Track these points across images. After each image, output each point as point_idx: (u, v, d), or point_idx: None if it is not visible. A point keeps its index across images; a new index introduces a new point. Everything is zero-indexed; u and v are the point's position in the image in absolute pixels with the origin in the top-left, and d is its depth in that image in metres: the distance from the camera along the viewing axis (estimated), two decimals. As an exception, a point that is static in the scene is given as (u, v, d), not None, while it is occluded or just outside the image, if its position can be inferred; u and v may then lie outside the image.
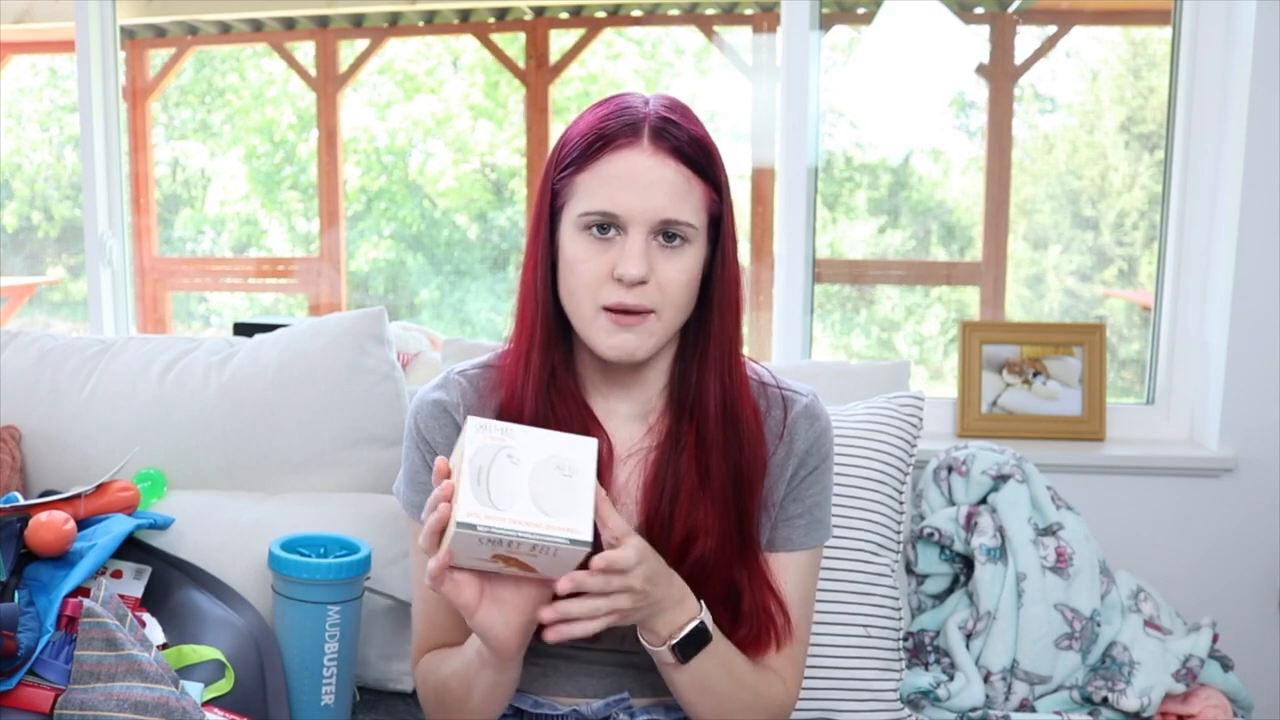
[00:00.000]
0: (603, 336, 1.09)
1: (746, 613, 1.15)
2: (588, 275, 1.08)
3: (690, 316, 1.14)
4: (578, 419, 1.15)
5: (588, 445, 0.99)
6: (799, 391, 1.22)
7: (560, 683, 1.22)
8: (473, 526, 0.93)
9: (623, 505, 1.17)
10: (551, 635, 0.99)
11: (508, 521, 0.93)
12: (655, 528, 1.14)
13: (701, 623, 1.08)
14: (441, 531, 0.97)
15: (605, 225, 1.08)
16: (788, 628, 1.17)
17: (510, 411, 1.15)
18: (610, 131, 1.08)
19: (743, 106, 3.23)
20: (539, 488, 0.96)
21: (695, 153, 1.08)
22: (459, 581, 1.00)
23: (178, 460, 1.71)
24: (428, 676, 1.19)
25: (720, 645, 1.11)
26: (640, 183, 1.06)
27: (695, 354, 1.15)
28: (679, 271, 1.08)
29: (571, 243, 1.10)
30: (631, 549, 0.99)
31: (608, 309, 1.08)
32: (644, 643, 1.09)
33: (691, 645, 1.07)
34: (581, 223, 1.08)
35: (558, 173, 1.11)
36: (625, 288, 1.07)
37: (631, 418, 1.19)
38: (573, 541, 0.94)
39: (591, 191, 1.08)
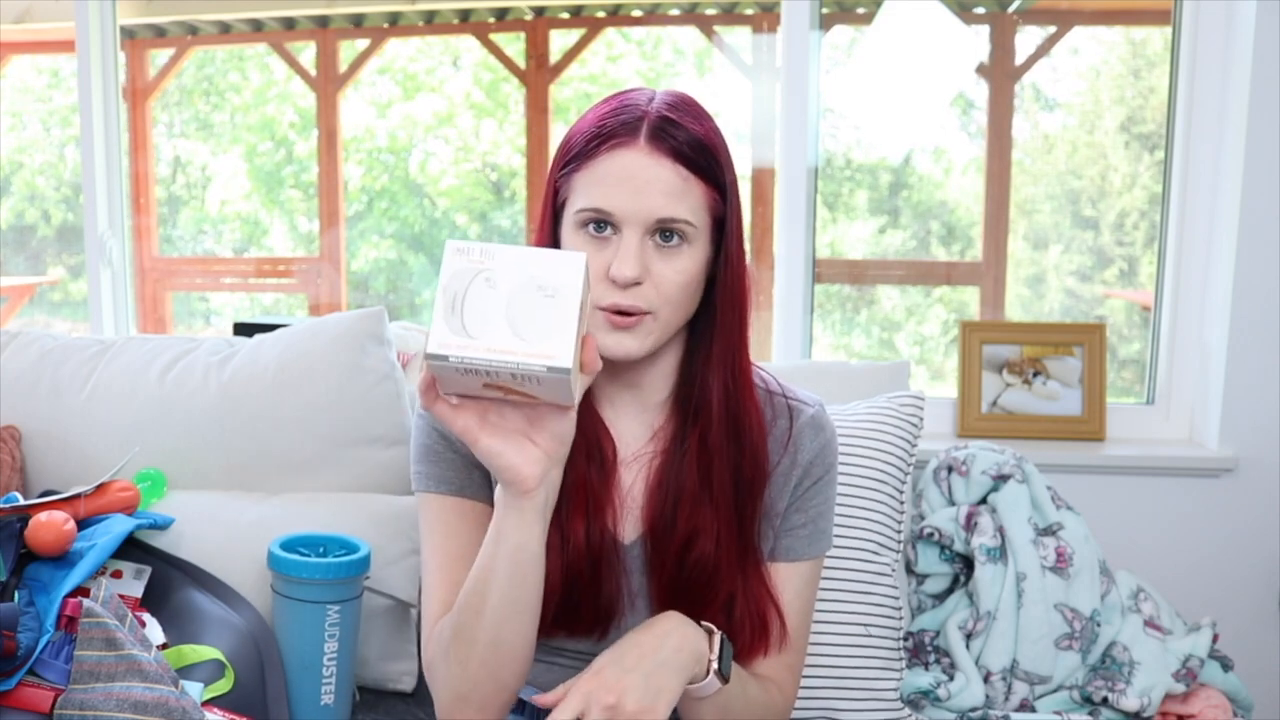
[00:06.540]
0: (600, 335, 1.08)
1: (739, 618, 1.14)
2: None
3: (697, 318, 1.13)
4: (584, 418, 1.15)
5: (575, 261, 0.90)
6: (805, 401, 1.21)
7: (563, 677, 1.21)
8: (444, 357, 0.88)
9: (627, 510, 1.17)
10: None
11: (481, 350, 0.87)
12: (658, 531, 1.14)
13: (723, 634, 1.08)
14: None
15: (601, 224, 1.07)
16: (782, 633, 1.17)
17: None
18: (608, 130, 1.07)
19: (743, 106, 3.23)
20: (517, 312, 0.88)
21: (694, 153, 1.07)
22: (455, 407, 0.94)
23: (178, 460, 1.71)
24: (441, 631, 1.10)
25: (739, 668, 1.12)
26: (635, 182, 1.05)
27: (701, 356, 1.14)
28: (676, 272, 1.07)
29: (570, 240, 1.09)
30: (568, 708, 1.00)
31: (604, 309, 1.07)
32: (691, 690, 1.07)
33: (727, 659, 1.07)
34: (578, 220, 1.08)
35: (560, 170, 1.10)
36: (620, 289, 1.06)
37: (638, 420, 1.18)
38: (550, 369, 0.87)
39: (588, 189, 1.07)
